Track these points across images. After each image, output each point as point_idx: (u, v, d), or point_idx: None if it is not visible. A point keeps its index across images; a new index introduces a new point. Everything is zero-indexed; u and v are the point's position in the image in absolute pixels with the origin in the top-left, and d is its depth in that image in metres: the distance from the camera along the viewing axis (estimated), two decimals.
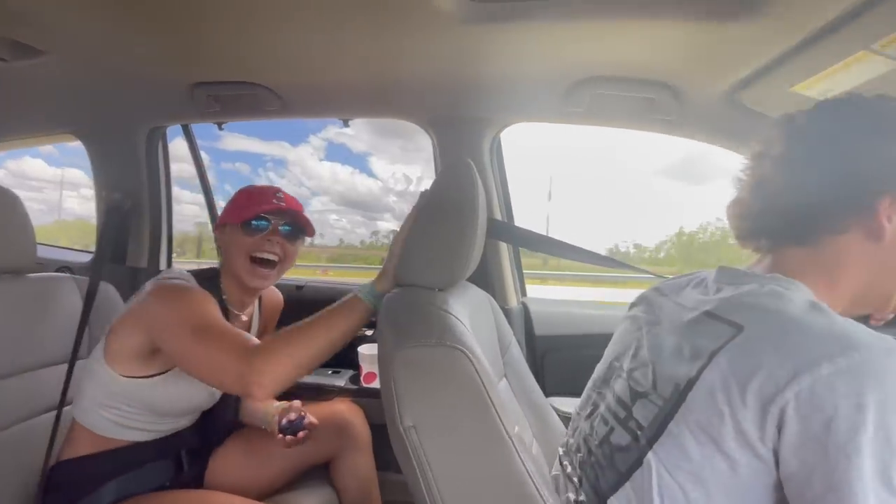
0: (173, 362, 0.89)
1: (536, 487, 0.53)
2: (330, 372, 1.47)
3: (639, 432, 0.55)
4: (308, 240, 1.07)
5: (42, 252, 1.66)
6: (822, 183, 0.57)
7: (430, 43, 0.91)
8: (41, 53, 0.96)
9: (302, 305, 1.53)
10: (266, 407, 1.11)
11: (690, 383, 0.50)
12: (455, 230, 0.71)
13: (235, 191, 1.04)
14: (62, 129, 1.58)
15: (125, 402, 0.91)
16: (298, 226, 1.01)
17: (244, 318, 1.08)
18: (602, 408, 0.65)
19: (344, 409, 1.18)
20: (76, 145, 1.60)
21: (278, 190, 1.01)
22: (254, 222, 0.96)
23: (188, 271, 0.99)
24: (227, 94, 1.18)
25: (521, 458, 0.53)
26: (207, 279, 0.99)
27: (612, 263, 1.16)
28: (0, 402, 0.92)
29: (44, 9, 0.81)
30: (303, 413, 1.06)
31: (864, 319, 0.83)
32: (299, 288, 1.58)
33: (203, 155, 1.64)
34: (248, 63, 1.05)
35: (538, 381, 1.07)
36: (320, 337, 0.76)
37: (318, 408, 1.17)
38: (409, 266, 0.74)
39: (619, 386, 0.63)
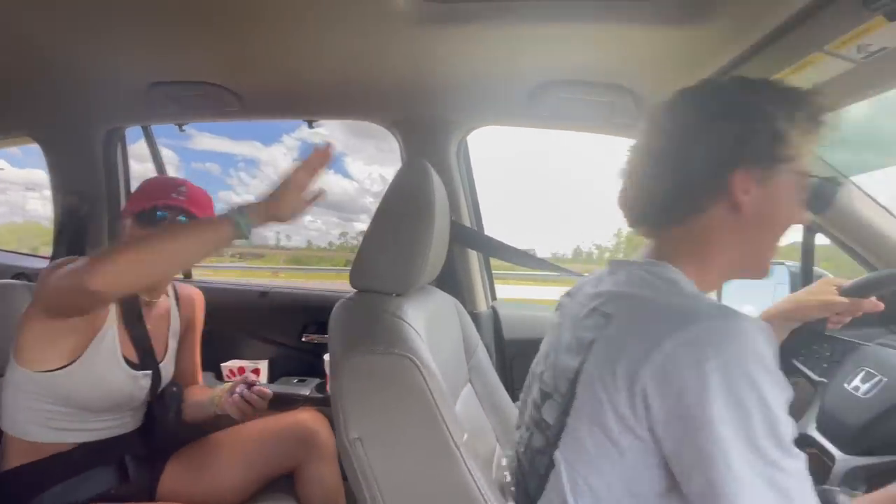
0: (76, 334, 0.89)
1: (483, 498, 0.51)
2: (296, 381, 1.44)
3: (548, 432, 0.56)
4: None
5: None
6: (680, 166, 0.61)
7: (389, 44, 0.90)
8: None
9: (265, 312, 1.51)
10: (212, 393, 1.09)
11: (577, 376, 0.53)
12: (411, 233, 0.70)
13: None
14: (17, 132, 1.54)
15: (45, 400, 0.90)
16: (192, 215, 0.98)
17: (159, 310, 1.08)
18: (526, 415, 0.67)
19: (308, 417, 1.15)
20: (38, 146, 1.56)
21: (183, 183, 0.99)
22: (151, 214, 0.94)
23: None
24: (185, 94, 1.15)
25: (468, 469, 0.52)
26: None
27: (567, 273, 1.22)
28: None
29: None
30: (254, 381, 1.04)
31: (822, 323, 0.86)
32: (263, 294, 1.54)
33: (172, 155, 1.69)
34: (205, 63, 1.03)
35: (507, 385, 1.07)
36: (166, 243, 0.76)
37: (282, 417, 1.16)
38: (363, 270, 0.72)
39: (535, 390, 0.66)
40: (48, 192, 1.54)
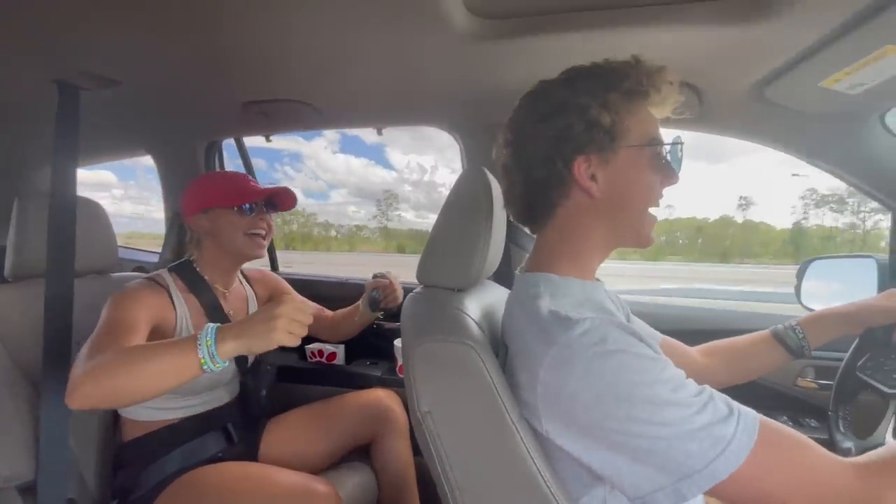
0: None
1: (538, 469, 0.58)
2: (368, 363, 1.57)
3: None
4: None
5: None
6: (524, 169, 0.66)
7: (448, 57, 0.96)
8: (118, 83, 1.09)
9: (342, 300, 1.63)
10: (362, 312, 1.30)
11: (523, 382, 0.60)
12: (470, 234, 0.76)
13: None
14: (136, 147, 1.78)
15: None
16: (273, 204, 1.20)
17: (237, 295, 1.22)
18: None
19: (383, 395, 1.26)
20: None
21: (247, 175, 1.19)
22: (246, 206, 1.13)
23: (168, 269, 1.12)
24: (273, 110, 1.29)
25: (523, 441, 0.58)
26: (185, 270, 1.12)
27: None
28: None
29: (119, 45, 0.93)
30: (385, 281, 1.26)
31: (888, 333, 0.82)
32: (340, 285, 1.68)
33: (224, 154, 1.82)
34: (290, 83, 1.15)
35: None
36: (136, 371, 0.73)
37: (360, 394, 1.27)
38: (428, 268, 0.80)
39: None
40: (117, 192, 1.78)
